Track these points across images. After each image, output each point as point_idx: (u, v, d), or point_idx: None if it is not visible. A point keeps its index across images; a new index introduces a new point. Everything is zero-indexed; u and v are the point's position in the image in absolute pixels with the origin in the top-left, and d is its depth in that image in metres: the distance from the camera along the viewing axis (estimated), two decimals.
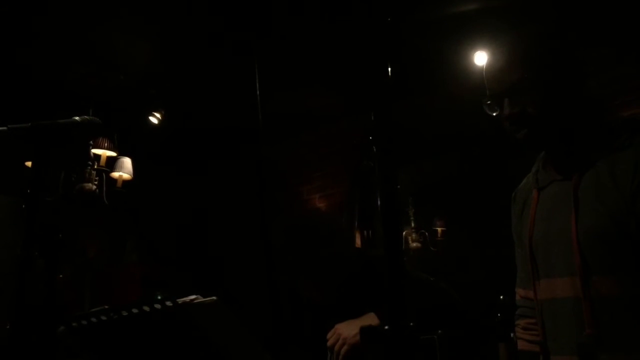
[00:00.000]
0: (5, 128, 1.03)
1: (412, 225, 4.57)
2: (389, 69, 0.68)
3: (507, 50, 1.28)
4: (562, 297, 1.21)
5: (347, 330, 1.59)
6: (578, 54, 1.26)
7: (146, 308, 1.08)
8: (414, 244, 4.54)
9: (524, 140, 1.26)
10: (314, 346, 1.78)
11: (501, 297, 1.25)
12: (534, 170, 1.39)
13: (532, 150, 1.32)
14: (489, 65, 1.31)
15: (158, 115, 4.31)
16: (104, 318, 1.13)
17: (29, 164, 3.56)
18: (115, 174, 4.02)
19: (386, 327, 0.64)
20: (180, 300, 1.06)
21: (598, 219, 1.15)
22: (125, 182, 4.08)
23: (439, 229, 4.44)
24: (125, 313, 1.11)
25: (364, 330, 1.39)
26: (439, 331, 1.69)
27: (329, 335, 1.64)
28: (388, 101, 0.67)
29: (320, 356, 1.71)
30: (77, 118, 1.11)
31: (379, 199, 0.65)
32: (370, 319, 1.61)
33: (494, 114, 1.29)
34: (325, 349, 1.67)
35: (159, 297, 1.07)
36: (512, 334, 1.29)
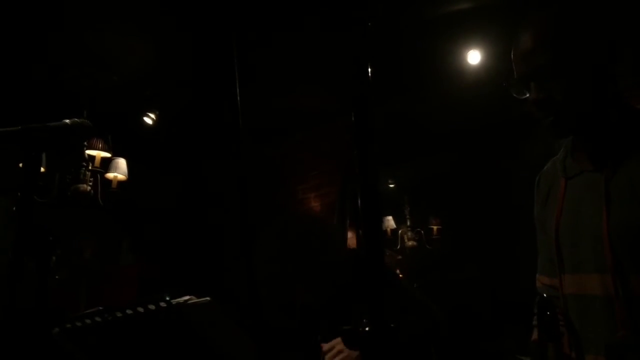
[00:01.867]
0: None
1: (408, 223, 4.59)
2: (369, 70, 0.68)
3: (536, 29, 1.18)
4: (591, 294, 1.16)
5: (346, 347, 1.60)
6: (611, 37, 1.18)
7: (140, 309, 1.08)
8: (410, 242, 4.56)
9: (550, 127, 1.19)
10: (307, 349, 1.79)
11: (544, 294, 1.21)
12: (561, 157, 1.31)
13: (558, 137, 1.24)
14: (516, 44, 1.23)
15: (152, 115, 4.31)
16: (98, 319, 1.13)
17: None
18: (110, 175, 4.01)
19: (366, 329, 0.65)
20: (174, 301, 1.06)
21: (631, 215, 1.09)
22: (120, 183, 4.08)
23: (435, 227, 4.46)
24: (119, 314, 1.11)
25: (344, 333, 1.38)
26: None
27: (325, 348, 1.64)
28: (367, 102, 0.67)
29: (314, 358, 1.72)
30: (67, 121, 1.11)
31: (359, 200, 0.65)
32: None
33: (521, 97, 1.22)
34: (318, 352, 1.67)
35: (157, 298, 1.07)
36: (559, 333, 1.25)
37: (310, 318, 1.81)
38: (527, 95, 1.20)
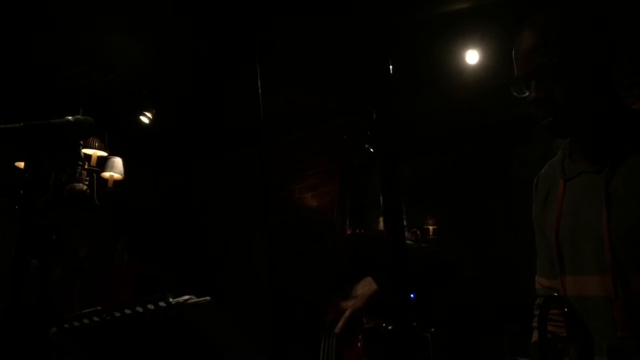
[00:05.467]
0: None
1: (404, 223, 4.58)
2: (391, 66, 0.67)
3: (539, 29, 1.20)
4: (592, 295, 1.16)
5: (346, 302, 1.65)
6: (611, 37, 1.19)
7: (139, 309, 1.07)
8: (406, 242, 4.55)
9: (549, 127, 1.20)
10: (306, 341, 1.79)
11: (555, 294, 1.23)
12: (559, 159, 1.31)
13: (557, 137, 1.25)
14: (519, 42, 1.24)
15: (149, 114, 4.29)
16: (96, 319, 1.12)
17: (19, 164, 3.53)
18: (106, 174, 4.00)
19: (388, 328, 0.64)
20: (173, 301, 1.05)
21: (631, 216, 1.09)
22: (116, 182, 4.06)
23: (431, 227, 4.44)
24: (117, 314, 1.10)
25: (365, 332, 1.39)
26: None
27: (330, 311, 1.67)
28: (390, 98, 0.67)
29: (313, 350, 1.72)
30: (70, 118, 1.10)
31: (381, 197, 0.65)
32: (368, 283, 1.66)
33: (521, 96, 1.22)
34: (317, 343, 1.68)
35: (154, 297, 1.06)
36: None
37: (308, 310, 1.82)
38: (527, 94, 1.20)
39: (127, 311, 1.09)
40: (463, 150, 4.26)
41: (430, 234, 4.46)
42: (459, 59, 3.77)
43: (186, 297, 1.08)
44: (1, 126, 1.01)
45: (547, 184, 1.35)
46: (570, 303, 1.10)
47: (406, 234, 4.60)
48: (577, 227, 1.21)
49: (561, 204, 1.25)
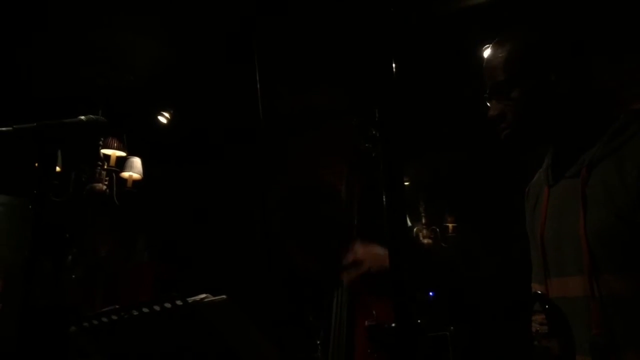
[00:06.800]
0: (10, 128, 1.03)
1: (423, 221, 4.56)
2: (393, 64, 0.66)
3: (497, 49, 1.28)
4: (573, 296, 1.19)
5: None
6: (578, 52, 1.24)
7: (157, 307, 1.08)
8: (425, 240, 4.53)
9: (506, 139, 1.28)
10: (305, 314, 1.77)
11: (538, 291, 1.26)
12: (544, 166, 1.37)
13: (515, 148, 1.32)
14: (484, 62, 1.33)
15: (167, 115, 4.33)
16: (115, 317, 1.13)
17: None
18: (125, 174, 4.04)
19: (393, 325, 0.64)
20: (190, 300, 1.06)
21: (606, 217, 1.13)
22: (135, 181, 4.10)
23: (450, 225, 4.43)
24: (136, 312, 1.11)
25: (370, 329, 1.38)
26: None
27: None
28: (392, 96, 0.66)
29: (312, 330, 1.70)
30: (82, 117, 1.11)
31: (383, 197, 0.64)
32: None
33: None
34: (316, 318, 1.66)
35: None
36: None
37: (298, 285, 1.80)
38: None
39: (145, 310, 1.10)
40: (481, 147, 4.22)
41: (450, 231, 4.44)
42: (478, 54, 3.73)
43: (203, 295, 1.08)
44: (15, 126, 1.02)
45: (536, 191, 1.41)
46: (551, 300, 1.15)
47: (425, 231, 4.59)
48: (559, 230, 1.25)
49: (545, 209, 1.31)
